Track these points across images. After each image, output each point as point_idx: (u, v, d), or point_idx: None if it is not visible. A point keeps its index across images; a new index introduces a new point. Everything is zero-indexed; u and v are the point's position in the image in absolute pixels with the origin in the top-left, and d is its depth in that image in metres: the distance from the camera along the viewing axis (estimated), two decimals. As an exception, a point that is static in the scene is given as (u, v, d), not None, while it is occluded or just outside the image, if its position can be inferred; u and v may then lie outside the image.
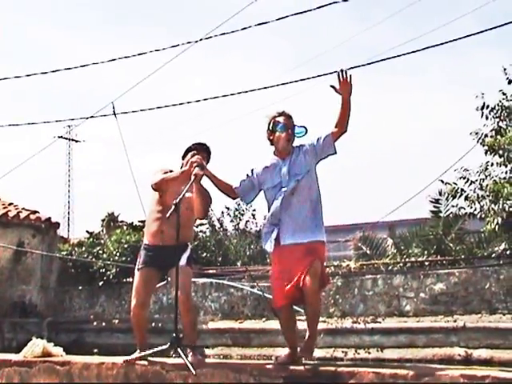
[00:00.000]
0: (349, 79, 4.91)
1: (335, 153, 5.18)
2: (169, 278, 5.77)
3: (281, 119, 5.26)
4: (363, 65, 9.15)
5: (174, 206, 5.01)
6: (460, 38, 7.94)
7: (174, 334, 4.83)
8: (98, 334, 12.26)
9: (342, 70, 4.91)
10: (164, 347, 4.86)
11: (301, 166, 5.16)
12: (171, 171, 5.60)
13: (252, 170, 5.39)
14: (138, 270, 5.61)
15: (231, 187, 5.39)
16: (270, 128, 5.28)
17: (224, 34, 9.92)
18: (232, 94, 10.42)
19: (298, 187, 5.11)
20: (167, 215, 5.07)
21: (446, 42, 7.93)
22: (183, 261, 5.53)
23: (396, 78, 68.55)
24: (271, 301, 5.31)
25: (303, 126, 5.31)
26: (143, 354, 5.11)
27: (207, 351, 10.00)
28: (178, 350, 4.87)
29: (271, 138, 5.30)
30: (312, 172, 5.19)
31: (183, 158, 5.67)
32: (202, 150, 5.59)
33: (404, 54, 8.52)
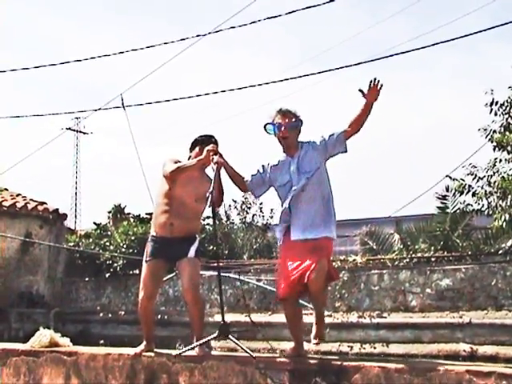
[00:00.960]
0: (379, 87, 4.90)
1: (346, 151, 5.16)
2: (177, 271, 5.79)
3: (276, 119, 5.26)
4: (371, 60, 9.16)
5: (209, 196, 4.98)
6: (471, 34, 7.93)
7: (222, 322, 4.83)
8: (105, 325, 12.31)
9: (375, 79, 4.89)
10: (214, 336, 4.86)
11: (310, 162, 5.15)
12: (180, 162, 5.60)
13: (263, 166, 5.40)
14: (146, 261, 5.62)
15: (243, 179, 5.41)
16: (269, 131, 5.29)
17: (233, 27, 9.94)
18: (239, 88, 10.46)
19: (308, 184, 5.11)
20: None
21: (457, 38, 7.93)
22: (192, 252, 5.55)
23: (405, 73, 68.33)
24: (276, 292, 5.35)
25: (299, 120, 5.29)
26: (193, 345, 5.08)
27: (213, 343, 10.03)
28: (230, 337, 4.86)
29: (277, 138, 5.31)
30: (322, 168, 5.18)
31: (191, 150, 5.67)
32: (209, 143, 5.59)
33: (413, 50, 8.54)
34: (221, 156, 5.27)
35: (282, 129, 5.21)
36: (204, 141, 5.60)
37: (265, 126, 5.28)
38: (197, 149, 5.57)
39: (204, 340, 4.89)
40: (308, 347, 5.25)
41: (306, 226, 5.04)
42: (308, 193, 5.09)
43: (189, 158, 5.62)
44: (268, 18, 9.64)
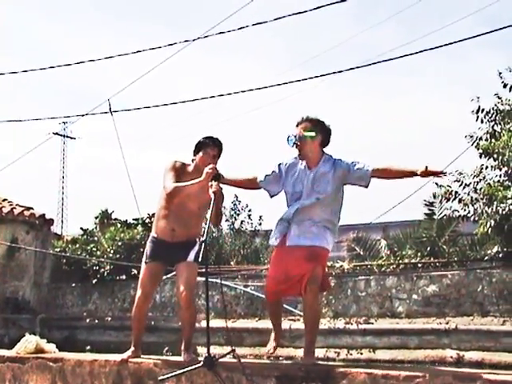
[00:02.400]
0: (440, 176, 4.75)
1: (366, 187, 4.89)
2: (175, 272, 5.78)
3: (296, 130, 5.07)
4: (361, 66, 9.20)
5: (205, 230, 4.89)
6: (459, 41, 7.97)
7: (207, 354, 4.73)
8: (91, 331, 12.26)
9: (444, 173, 4.71)
10: (197, 366, 4.78)
11: (326, 184, 4.95)
12: (183, 165, 5.57)
13: (279, 166, 5.25)
14: (146, 263, 5.60)
15: (250, 180, 5.28)
16: (289, 144, 5.10)
17: (221, 33, 9.94)
18: (228, 94, 10.44)
19: (315, 204, 5.01)
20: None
21: (446, 45, 7.96)
22: (191, 257, 5.55)
23: (394, 79, 68.65)
24: (265, 294, 5.35)
25: (314, 130, 5.06)
26: (176, 373, 5.01)
27: (199, 350, 10.02)
28: (213, 371, 4.75)
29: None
30: (336, 194, 5.01)
31: (194, 153, 5.63)
32: (213, 145, 5.56)
33: (402, 56, 8.55)
34: (219, 177, 5.12)
35: (295, 140, 5.01)
36: (208, 144, 5.57)
37: (287, 139, 5.09)
38: (201, 153, 5.53)
39: (186, 369, 4.82)
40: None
41: (303, 234, 4.99)
42: (314, 211, 4.98)
43: (192, 161, 5.59)
44: (256, 24, 9.67)
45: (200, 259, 4.72)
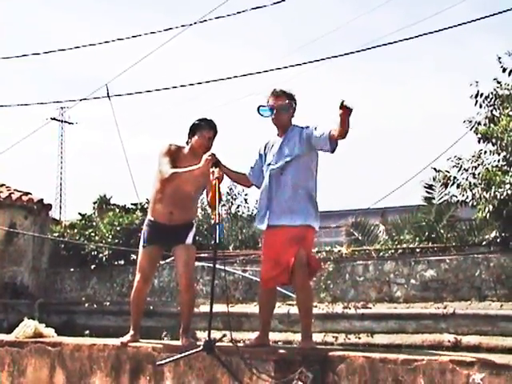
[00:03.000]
0: (348, 107, 4.76)
1: (331, 152, 5.02)
2: (172, 256, 5.78)
3: (269, 100, 5.23)
4: (358, 51, 9.17)
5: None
6: (458, 25, 7.94)
7: (207, 338, 4.74)
8: (89, 315, 12.29)
9: (342, 101, 4.76)
10: (197, 350, 4.79)
11: (293, 147, 5.11)
12: (179, 148, 5.57)
13: (259, 153, 5.35)
14: (144, 246, 5.61)
15: (245, 177, 5.37)
16: (261, 113, 5.24)
17: (219, 17, 9.90)
18: (228, 78, 10.42)
19: (286, 168, 5.08)
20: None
21: (444, 29, 7.94)
22: (189, 239, 5.58)
23: (392, 64, 68.48)
24: (260, 280, 5.35)
25: (292, 102, 5.24)
26: (175, 357, 5.02)
27: (199, 334, 10.04)
28: (213, 354, 4.75)
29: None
30: (305, 157, 5.12)
31: (189, 135, 5.61)
32: (209, 127, 5.57)
33: (400, 41, 8.53)
34: (218, 164, 5.14)
35: (275, 111, 5.17)
36: (203, 126, 5.57)
37: (258, 109, 5.24)
38: (196, 136, 5.52)
39: (186, 353, 4.84)
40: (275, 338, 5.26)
41: (283, 212, 5.01)
42: (287, 177, 5.05)
43: (187, 143, 5.59)
44: (254, 8, 9.63)
45: (216, 241, 4.74)
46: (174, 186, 5.44)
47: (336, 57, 9.22)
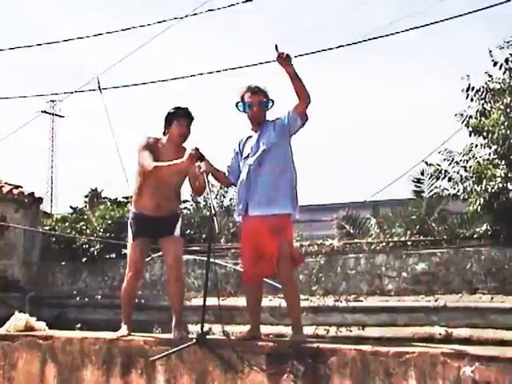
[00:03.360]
0: (283, 54, 4.86)
1: (303, 125, 5.16)
2: (161, 248, 5.78)
3: (246, 97, 5.27)
4: (349, 44, 9.18)
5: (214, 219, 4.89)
6: (448, 19, 7.96)
7: (200, 331, 4.75)
8: (81, 309, 12.26)
9: (276, 46, 4.87)
10: (191, 343, 4.79)
11: (269, 137, 5.18)
12: (157, 139, 5.57)
13: (234, 150, 5.41)
14: (133, 240, 5.60)
15: (224, 177, 5.40)
16: (239, 108, 5.29)
17: (210, 10, 9.89)
18: (218, 71, 10.40)
19: (264, 158, 5.12)
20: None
21: (434, 23, 7.95)
22: (177, 231, 5.59)
23: (384, 57, 68.53)
24: (243, 278, 5.36)
25: (271, 100, 5.33)
26: (169, 352, 5.03)
27: (190, 328, 10.04)
28: (205, 347, 4.76)
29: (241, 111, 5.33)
30: (281, 145, 5.17)
31: (165, 124, 5.62)
32: (185, 115, 5.58)
33: (392, 34, 8.54)
34: (203, 158, 5.16)
35: (254, 108, 5.22)
36: (179, 114, 5.58)
37: (236, 104, 5.29)
38: (173, 125, 5.53)
39: (180, 347, 4.85)
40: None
41: (263, 201, 5.03)
42: (265, 167, 5.10)
43: (164, 133, 5.60)
44: (246, 1, 9.61)
45: (215, 231, 4.76)
46: (159, 178, 5.45)
47: (330, 49, 9.25)
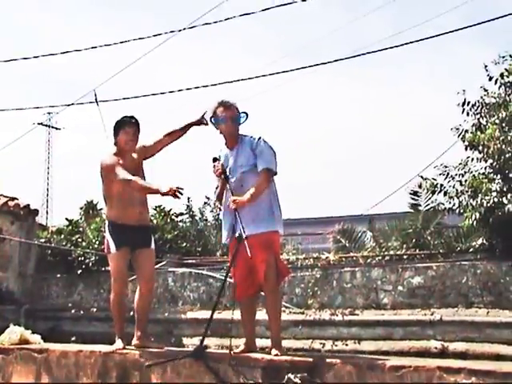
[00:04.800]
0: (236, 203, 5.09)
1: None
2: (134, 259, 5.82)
3: (219, 111, 5.28)
4: (342, 59, 9.23)
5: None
6: (443, 34, 8.00)
7: (200, 344, 4.76)
8: (76, 322, 12.21)
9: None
10: (188, 355, 4.80)
11: (247, 158, 5.18)
12: (114, 153, 5.68)
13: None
14: (116, 250, 5.62)
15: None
16: (212, 122, 5.31)
17: (207, 24, 9.91)
18: (215, 85, 10.42)
19: (245, 179, 5.14)
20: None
21: (430, 37, 8.00)
22: (153, 244, 5.67)
23: (381, 70, 68.76)
24: (234, 293, 5.38)
25: (244, 112, 5.32)
26: (163, 360, 5.06)
27: (185, 341, 10.01)
28: (202, 360, 4.78)
29: (215, 127, 5.35)
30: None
31: (114, 135, 5.72)
32: (130, 123, 5.67)
33: (386, 49, 8.58)
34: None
35: (229, 122, 5.24)
36: (125, 122, 5.67)
37: (211, 119, 5.30)
38: (120, 134, 5.65)
39: (177, 358, 4.87)
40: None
41: (249, 222, 5.05)
42: (247, 188, 5.11)
43: (115, 144, 5.69)
44: (243, 15, 9.64)
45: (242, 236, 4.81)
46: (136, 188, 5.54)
47: (328, 63, 9.29)
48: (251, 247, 4.93)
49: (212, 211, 15.17)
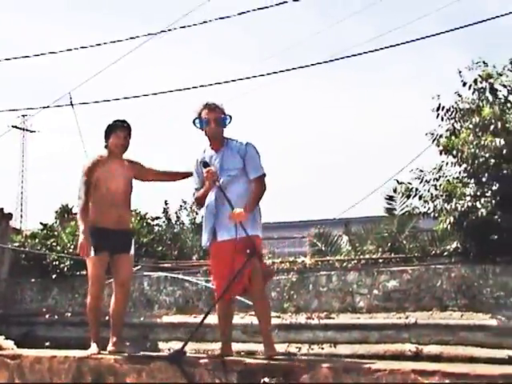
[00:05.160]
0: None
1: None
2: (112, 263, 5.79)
3: (203, 113, 5.29)
4: (319, 62, 9.27)
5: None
6: (420, 39, 8.07)
7: (181, 349, 4.74)
8: (50, 327, 12.11)
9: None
10: (165, 356, 4.79)
11: (234, 162, 5.19)
12: (101, 156, 5.69)
13: (196, 171, 5.42)
14: (96, 254, 5.58)
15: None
16: (196, 125, 5.31)
17: (184, 27, 9.92)
18: (195, 87, 10.41)
19: (230, 183, 5.14)
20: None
21: (408, 42, 8.06)
22: (132, 249, 5.64)
23: (359, 74, 69.13)
24: (215, 295, 5.38)
25: (229, 116, 5.34)
26: (140, 354, 5.07)
27: (161, 345, 9.97)
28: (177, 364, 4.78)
29: (199, 129, 5.36)
30: (245, 171, 5.22)
31: (106, 138, 5.73)
32: (121, 127, 5.68)
33: (366, 52, 8.64)
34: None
35: (212, 125, 5.24)
36: (116, 126, 5.69)
37: (193, 121, 5.31)
38: (111, 137, 5.67)
39: (155, 355, 4.87)
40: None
41: (232, 226, 5.06)
42: (231, 192, 5.12)
43: (106, 147, 5.70)
44: (220, 18, 9.66)
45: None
46: (115, 191, 5.51)
47: (307, 66, 9.34)
48: (233, 250, 4.94)
49: (188, 215, 15.15)
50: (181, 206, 14.63)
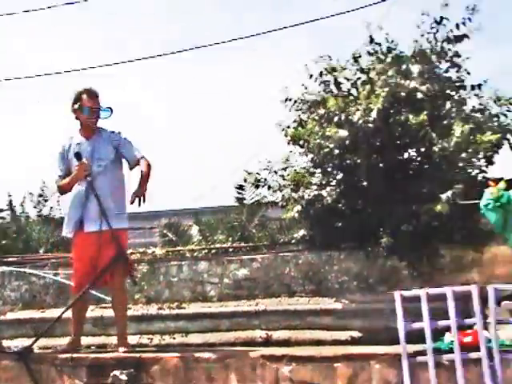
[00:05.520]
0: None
1: (130, 169, 5.69)
2: None
3: (84, 99, 5.19)
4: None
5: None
6: (267, 32, 8.22)
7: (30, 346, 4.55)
8: None
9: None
10: (11, 353, 4.57)
11: (107, 152, 5.14)
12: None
13: (63, 157, 5.28)
14: None
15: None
16: (77, 107, 5.20)
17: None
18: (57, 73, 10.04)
19: (101, 173, 5.09)
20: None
21: (264, 33, 8.17)
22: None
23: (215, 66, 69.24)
24: (73, 286, 5.27)
25: (109, 108, 5.28)
26: None
27: (5, 343, 9.57)
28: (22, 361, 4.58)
29: (76, 114, 5.23)
30: (117, 162, 5.18)
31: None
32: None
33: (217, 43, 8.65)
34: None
35: (91, 112, 5.15)
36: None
37: (79, 107, 5.18)
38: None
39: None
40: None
41: (98, 217, 5.01)
42: (101, 183, 5.06)
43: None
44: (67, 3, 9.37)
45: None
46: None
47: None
48: (98, 243, 4.86)
49: (35, 207, 14.61)
50: (24, 197, 14.07)
